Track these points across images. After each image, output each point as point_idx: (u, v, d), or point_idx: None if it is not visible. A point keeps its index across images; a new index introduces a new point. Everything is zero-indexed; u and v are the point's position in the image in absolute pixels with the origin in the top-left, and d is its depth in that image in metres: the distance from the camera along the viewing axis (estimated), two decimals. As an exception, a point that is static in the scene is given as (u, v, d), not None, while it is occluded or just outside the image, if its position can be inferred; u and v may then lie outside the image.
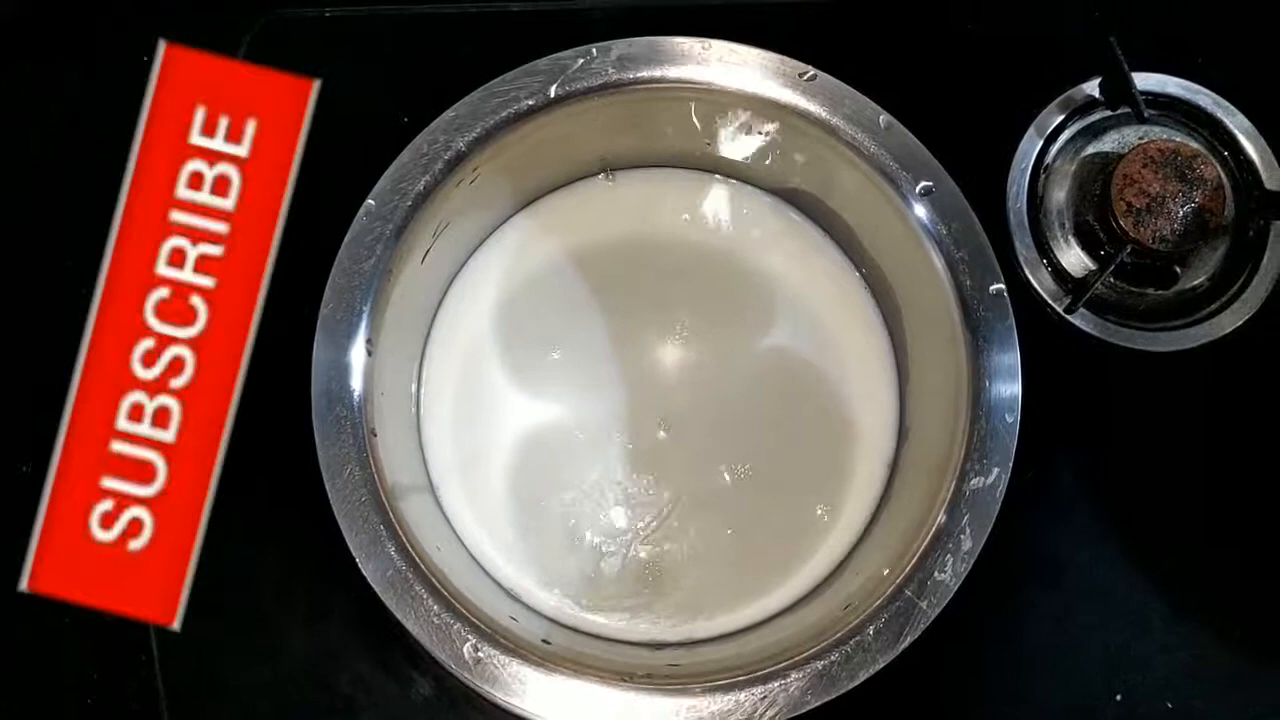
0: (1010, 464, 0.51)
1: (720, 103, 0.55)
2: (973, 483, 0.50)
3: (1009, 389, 0.51)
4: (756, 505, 0.61)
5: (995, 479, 0.50)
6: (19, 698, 0.62)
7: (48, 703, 0.62)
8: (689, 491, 0.62)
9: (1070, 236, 0.67)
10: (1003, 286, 0.51)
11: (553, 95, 0.53)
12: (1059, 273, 0.66)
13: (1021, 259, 0.66)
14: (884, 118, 0.53)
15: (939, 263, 0.52)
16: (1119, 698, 0.62)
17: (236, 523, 0.62)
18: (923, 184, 0.53)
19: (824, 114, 0.53)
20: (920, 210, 0.53)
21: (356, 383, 0.51)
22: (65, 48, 0.69)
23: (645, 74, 0.54)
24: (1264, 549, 0.65)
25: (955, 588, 0.50)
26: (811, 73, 0.54)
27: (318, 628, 0.62)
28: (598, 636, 0.58)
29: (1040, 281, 0.66)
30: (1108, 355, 0.65)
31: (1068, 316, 0.65)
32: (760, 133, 0.57)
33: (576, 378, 0.63)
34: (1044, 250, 0.66)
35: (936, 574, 0.49)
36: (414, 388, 0.59)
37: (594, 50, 0.54)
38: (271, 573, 0.62)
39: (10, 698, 0.62)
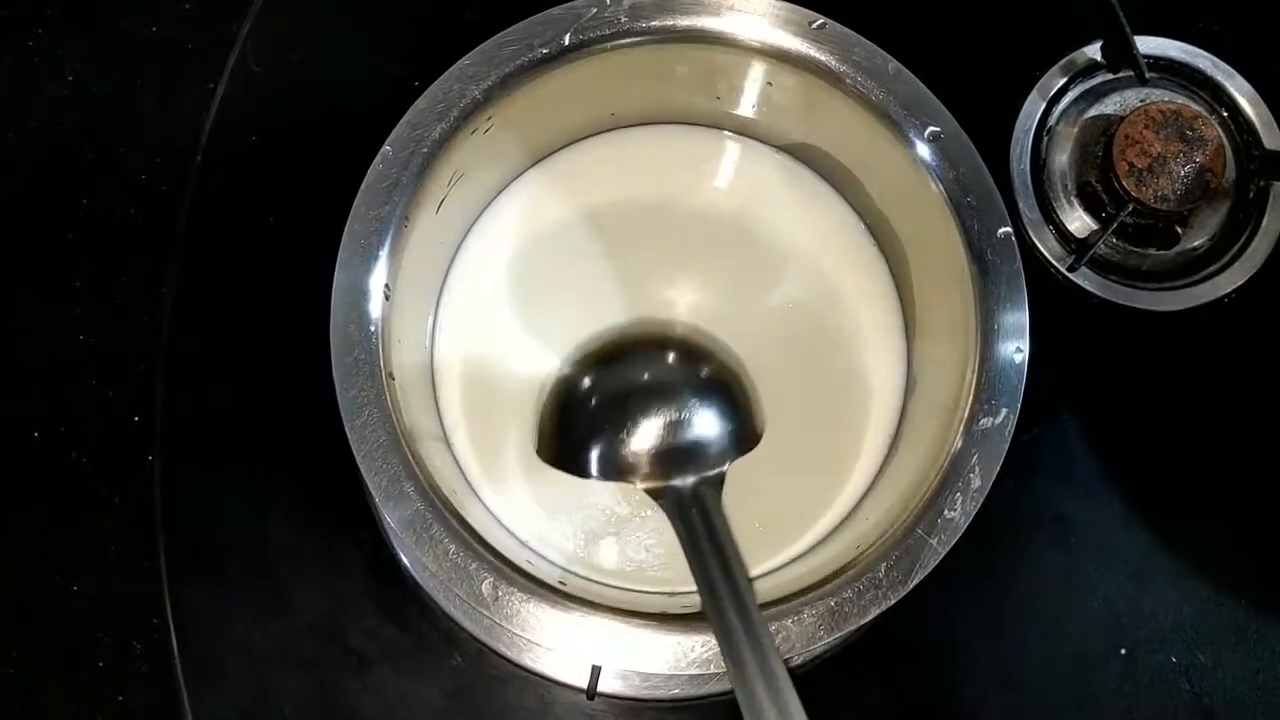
0: (1018, 405, 0.51)
1: (730, 51, 0.55)
2: (982, 423, 0.51)
3: (1017, 330, 0.52)
4: (769, 460, 0.61)
5: (1004, 419, 0.51)
6: (30, 660, 0.62)
7: (59, 664, 0.62)
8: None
9: (1073, 198, 0.68)
10: (1009, 230, 0.52)
11: (566, 43, 0.54)
12: (1062, 234, 0.67)
13: (1025, 220, 0.67)
14: (892, 65, 0.54)
15: (947, 207, 0.53)
16: (1123, 651, 0.63)
17: (247, 479, 0.63)
18: (930, 129, 0.53)
19: (833, 62, 0.54)
20: (927, 154, 0.53)
21: (374, 326, 0.51)
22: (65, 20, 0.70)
23: (657, 23, 0.54)
24: (1266, 504, 0.65)
25: (964, 526, 0.50)
26: (821, 21, 0.55)
27: (329, 583, 0.62)
28: (611, 586, 0.58)
29: (1044, 243, 0.67)
30: (1110, 314, 0.66)
31: (1070, 276, 0.66)
32: (770, 82, 0.57)
33: (588, 335, 0.62)
34: (1047, 212, 0.67)
35: (947, 512, 0.50)
36: (429, 339, 0.60)
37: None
38: (283, 529, 0.63)
39: (21, 660, 0.62)
